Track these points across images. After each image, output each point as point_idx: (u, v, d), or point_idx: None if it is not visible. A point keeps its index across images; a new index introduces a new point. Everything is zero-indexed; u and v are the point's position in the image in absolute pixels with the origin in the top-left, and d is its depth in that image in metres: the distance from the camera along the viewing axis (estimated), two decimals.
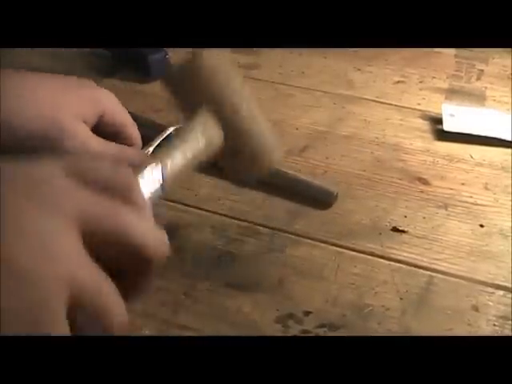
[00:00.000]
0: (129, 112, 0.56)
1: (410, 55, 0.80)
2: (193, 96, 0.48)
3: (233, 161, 0.47)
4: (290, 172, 0.57)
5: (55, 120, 0.48)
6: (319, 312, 0.45)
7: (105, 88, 0.55)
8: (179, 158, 0.42)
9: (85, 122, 0.50)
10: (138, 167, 0.37)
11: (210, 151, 0.45)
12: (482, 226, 0.53)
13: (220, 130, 0.46)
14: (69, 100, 0.50)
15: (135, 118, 0.57)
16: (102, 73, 0.74)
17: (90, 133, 0.51)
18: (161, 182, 0.38)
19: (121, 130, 0.54)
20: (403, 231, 0.52)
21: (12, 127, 0.47)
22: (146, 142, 0.58)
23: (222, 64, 0.49)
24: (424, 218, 0.53)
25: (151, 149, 0.58)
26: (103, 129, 0.52)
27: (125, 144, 0.54)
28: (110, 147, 0.52)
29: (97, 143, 0.51)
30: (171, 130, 0.60)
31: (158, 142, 0.59)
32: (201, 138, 0.44)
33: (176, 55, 0.75)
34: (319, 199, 0.54)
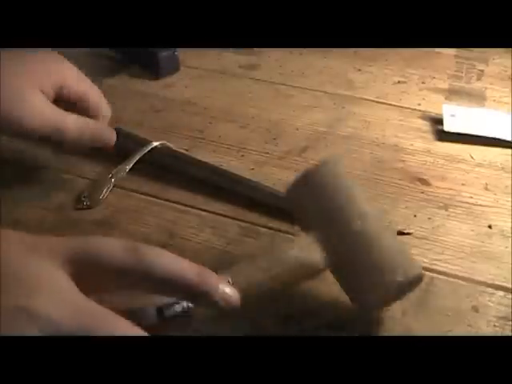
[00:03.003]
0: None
1: (409, 55, 0.80)
2: (304, 218, 0.45)
3: (348, 285, 0.42)
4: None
5: (16, 90, 0.50)
6: (319, 312, 0.45)
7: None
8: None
9: (44, 93, 0.52)
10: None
11: (304, 273, 0.41)
12: (490, 226, 0.52)
13: (322, 254, 0.41)
14: (28, 71, 0.52)
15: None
16: (104, 73, 0.74)
17: (49, 103, 0.52)
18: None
19: (82, 100, 0.54)
20: (408, 234, 0.51)
21: None
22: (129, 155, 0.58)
23: (334, 179, 0.44)
24: (424, 218, 0.53)
25: (133, 161, 0.58)
26: (65, 100, 0.53)
27: (88, 114, 0.55)
28: (71, 118, 0.53)
29: (55, 113, 0.52)
30: (154, 144, 0.59)
31: (140, 155, 0.58)
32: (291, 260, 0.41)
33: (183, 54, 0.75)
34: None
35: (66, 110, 0.53)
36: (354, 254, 0.41)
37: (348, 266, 0.42)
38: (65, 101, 0.53)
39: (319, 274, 0.42)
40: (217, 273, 0.37)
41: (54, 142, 0.53)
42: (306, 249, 0.41)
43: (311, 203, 0.44)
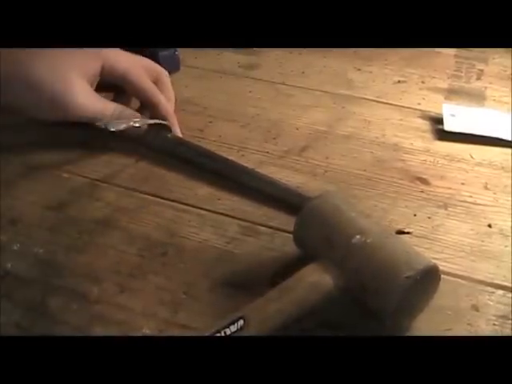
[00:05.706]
0: None
1: (409, 55, 0.80)
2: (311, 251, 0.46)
3: (363, 300, 0.43)
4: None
5: (62, 78, 0.54)
6: (319, 312, 0.45)
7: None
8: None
9: (87, 79, 0.56)
10: None
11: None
12: (489, 226, 0.52)
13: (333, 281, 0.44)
14: (72, 58, 0.56)
15: None
16: None
17: (91, 91, 0.57)
18: None
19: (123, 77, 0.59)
20: (408, 233, 0.51)
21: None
22: None
23: (333, 207, 0.45)
24: (424, 217, 0.53)
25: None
26: (107, 79, 0.58)
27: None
28: (110, 107, 0.57)
29: (96, 101, 0.57)
30: (158, 121, 0.60)
31: (146, 122, 0.59)
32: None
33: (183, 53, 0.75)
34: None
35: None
36: (359, 268, 0.42)
37: (357, 282, 0.42)
38: (107, 79, 0.58)
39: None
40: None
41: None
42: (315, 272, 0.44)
43: (314, 234, 0.45)
